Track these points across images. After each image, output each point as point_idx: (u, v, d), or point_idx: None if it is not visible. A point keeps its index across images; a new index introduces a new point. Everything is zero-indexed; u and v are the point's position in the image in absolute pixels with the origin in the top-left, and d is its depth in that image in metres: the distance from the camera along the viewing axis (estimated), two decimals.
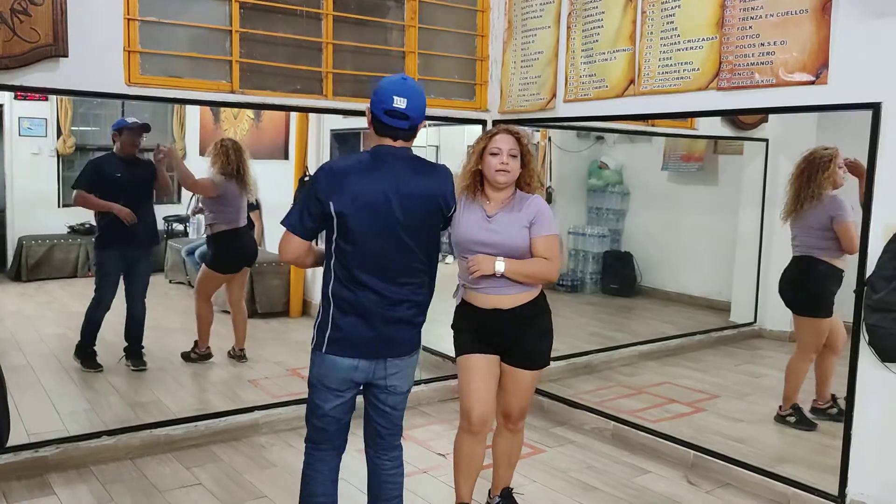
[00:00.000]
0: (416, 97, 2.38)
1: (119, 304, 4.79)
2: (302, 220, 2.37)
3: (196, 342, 5.12)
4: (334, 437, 2.54)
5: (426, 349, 4.42)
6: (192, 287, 7.45)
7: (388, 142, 2.41)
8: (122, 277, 4.77)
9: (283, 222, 2.41)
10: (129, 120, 4.83)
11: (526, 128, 6.63)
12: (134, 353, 4.88)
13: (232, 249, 5.07)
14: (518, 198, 2.77)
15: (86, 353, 4.80)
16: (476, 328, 2.81)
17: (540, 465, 3.74)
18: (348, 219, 2.33)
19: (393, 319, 2.42)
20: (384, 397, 2.52)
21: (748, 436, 4.05)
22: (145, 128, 4.79)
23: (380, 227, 2.35)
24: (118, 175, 4.65)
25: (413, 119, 2.37)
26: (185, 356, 5.11)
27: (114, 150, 4.79)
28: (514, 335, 2.78)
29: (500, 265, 2.64)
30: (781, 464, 3.58)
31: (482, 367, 2.81)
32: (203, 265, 5.18)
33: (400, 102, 2.33)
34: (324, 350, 2.41)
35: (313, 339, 2.45)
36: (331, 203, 2.32)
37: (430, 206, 2.45)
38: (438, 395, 4.63)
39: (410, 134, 2.42)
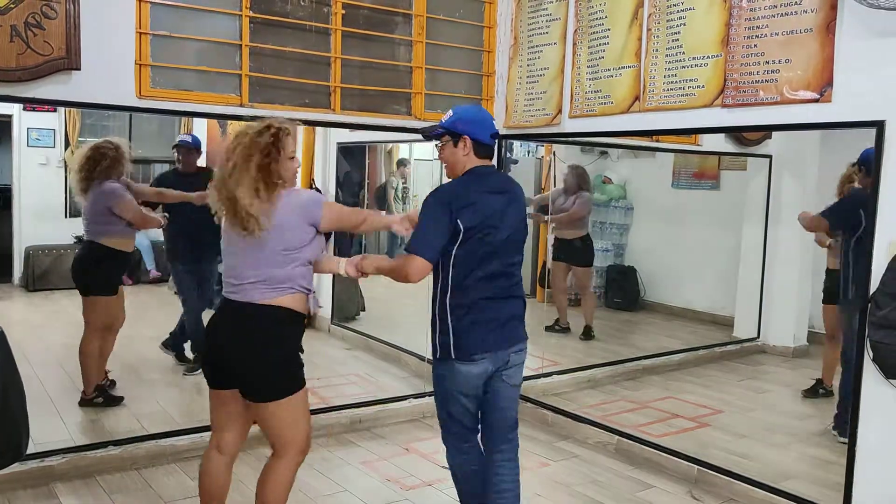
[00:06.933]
0: None
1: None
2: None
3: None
4: None
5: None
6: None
7: (487, 161, 2.73)
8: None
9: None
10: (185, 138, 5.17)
11: (531, 142, 6.68)
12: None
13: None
14: None
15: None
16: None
17: (544, 478, 3.74)
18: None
19: None
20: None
21: (752, 451, 4.05)
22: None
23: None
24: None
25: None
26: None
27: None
28: None
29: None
30: (785, 479, 3.58)
31: None
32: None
33: (497, 126, 2.78)
34: None
35: None
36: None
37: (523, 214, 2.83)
38: None
39: None
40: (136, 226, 4.44)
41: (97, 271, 4.35)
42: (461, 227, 2.57)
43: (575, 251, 6.19)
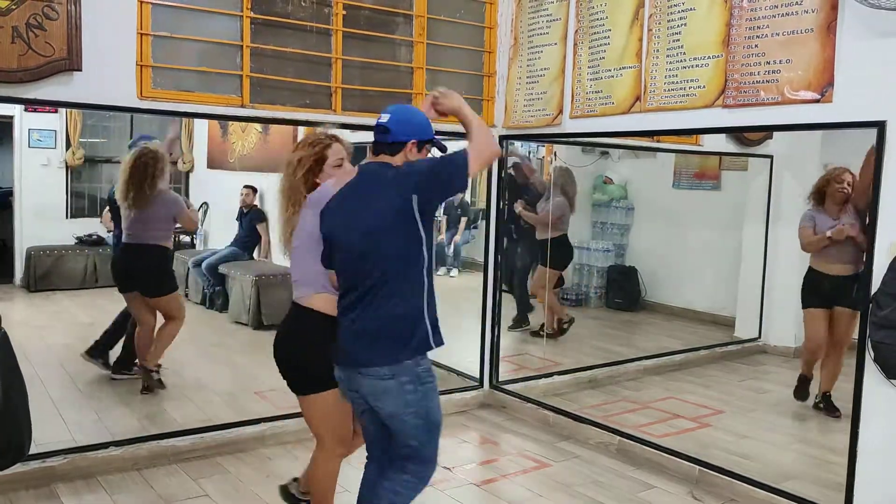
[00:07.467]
0: (401, 113, 2.45)
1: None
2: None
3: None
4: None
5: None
6: (188, 299, 7.49)
7: (379, 157, 2.45)
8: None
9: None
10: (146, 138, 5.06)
11: (532, 143, 6.66)
12: None
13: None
14: None
15: None
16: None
17: (545, 479, 3.74)
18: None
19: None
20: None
21: (753, 451, 4.05)
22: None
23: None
24: None
25: (393, 132, 2.40)
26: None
27: None
28: None
29: None
30: (787, 480, 3.57)
31: None
32: None
33: (383, 118, 2.43)
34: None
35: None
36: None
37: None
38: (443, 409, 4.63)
39: (393, 148, 2.41)
40: (187, 229, 4.99)
41: (168, 270, 4.75)
42: (320, 232, 2.51)
43: (543, 250, 6.14)
